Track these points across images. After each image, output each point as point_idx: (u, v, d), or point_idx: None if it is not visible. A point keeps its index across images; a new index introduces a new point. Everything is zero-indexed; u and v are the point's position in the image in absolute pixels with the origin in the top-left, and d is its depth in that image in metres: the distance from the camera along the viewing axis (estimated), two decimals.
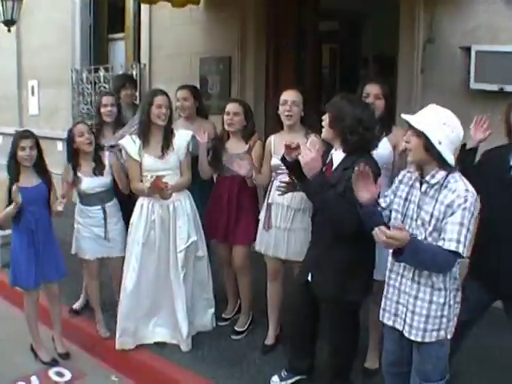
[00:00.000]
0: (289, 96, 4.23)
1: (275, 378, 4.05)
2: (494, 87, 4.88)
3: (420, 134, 2.82)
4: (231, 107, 4.64)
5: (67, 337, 4.92)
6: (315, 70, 8.03)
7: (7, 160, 4.44)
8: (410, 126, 2.88)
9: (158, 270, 4.59)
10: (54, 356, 4.73)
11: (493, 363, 4.23)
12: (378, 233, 2.68)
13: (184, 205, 4.58)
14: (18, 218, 4.37)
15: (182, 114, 5.18)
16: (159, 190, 4.31)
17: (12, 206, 4.26)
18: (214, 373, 4.21)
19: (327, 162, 3.60)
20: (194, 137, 4.71)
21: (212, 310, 4.90)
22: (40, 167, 4.51)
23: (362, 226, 3.10)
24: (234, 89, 7.11)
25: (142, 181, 4.52)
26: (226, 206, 4.67)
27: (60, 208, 4.38)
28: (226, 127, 4.67)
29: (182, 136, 4.60)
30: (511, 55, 4.78)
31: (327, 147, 3.72)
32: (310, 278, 3.70)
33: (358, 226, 3.15)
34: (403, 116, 2.93)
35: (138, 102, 7.91)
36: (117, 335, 4.65)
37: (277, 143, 4.34)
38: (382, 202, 3.14)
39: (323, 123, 3.53)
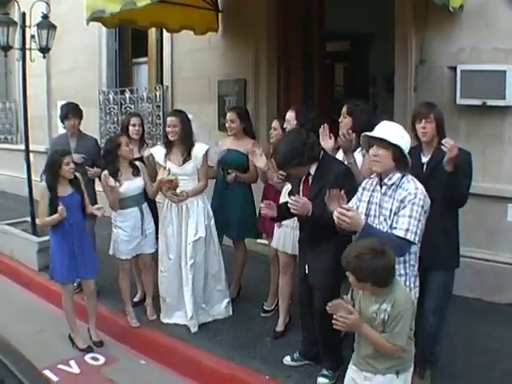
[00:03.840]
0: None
1: (288, 358, 4.58)
2: (478, 102, 5.35)
3: (388, 147, 3.32)
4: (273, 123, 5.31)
5: (100, 328, 5.41)
6: (324, 88, 8.44)
7: (47, 174, 4.97)
8: (377, 141, 3.36)
9: (176, 259, 5.31)
10: (89, 344, 5.22)
11: (477, 348, 4.68)
12: (340, 211, 3.23)
13: (196, 206, 5.29)
14: (58, 223, 4.94)
15: (229, 133, 5.72)
16: (166, 185, 5.09)
17: (56, 216, 4.84)
18: (230, 354, 4.73)
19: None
20: (236, 151, 5.56)
21: (227, 300, 5.51)
22: (73, 177, 5.06)
23: None
24: (249, 108, 7.18)
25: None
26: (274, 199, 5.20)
27: (98, 213, 4.99)
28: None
29: (199, 149, 5.31)
30: (491, 73, 5.26)
31: None
32: (307, 271, 4.26)
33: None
34: (368, 134, 3.44)
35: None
36: (163, 312, 5.42)
37: None
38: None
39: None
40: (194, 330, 5.19)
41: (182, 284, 5.27)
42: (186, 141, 5.26)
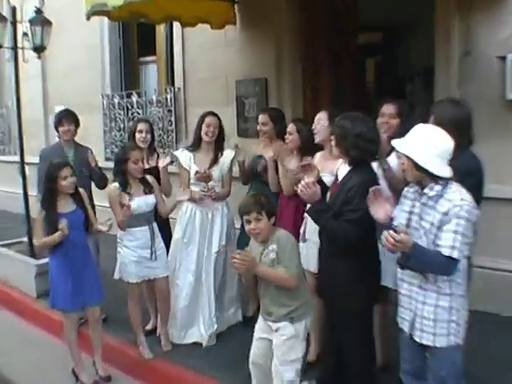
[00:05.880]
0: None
1: None
2: None
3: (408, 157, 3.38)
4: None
5: (108, 360, 5.39)
6: (356, 85, 8.43)
7: (43, 190, 4.97)
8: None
9: (197, 269, 5.62)
10: (95, 379, 5.19)
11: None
12: (387, 237, 3.22)
13: (221, 213, 5.70)
14: (58, 243, 4.92)
15: (261, 137, 5.85)
16: (205, 179, 5.49)
17: (57, 235, 4.82)
18: None
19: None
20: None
21: (236, 305, 5.99)
22: (75, 193, 5.06)
23: (364, 239, 3.77)
24: None
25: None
26: (292, 213, 5.27)
27: (104, 228, 5.00)
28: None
29: (227, 155, 5.77)
30: None
31: None
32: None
33: (361, 240, 3.76)
34: (392, 142, 3.51)
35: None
36: (175, 333, 5.60)
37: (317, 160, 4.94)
38: (394, 221, 3.54)
39: (332, 143, 4.11)
40: (211, 344, 5.49)
41: (200, 294, 5.60)
42: (217, 144, 5.68)
